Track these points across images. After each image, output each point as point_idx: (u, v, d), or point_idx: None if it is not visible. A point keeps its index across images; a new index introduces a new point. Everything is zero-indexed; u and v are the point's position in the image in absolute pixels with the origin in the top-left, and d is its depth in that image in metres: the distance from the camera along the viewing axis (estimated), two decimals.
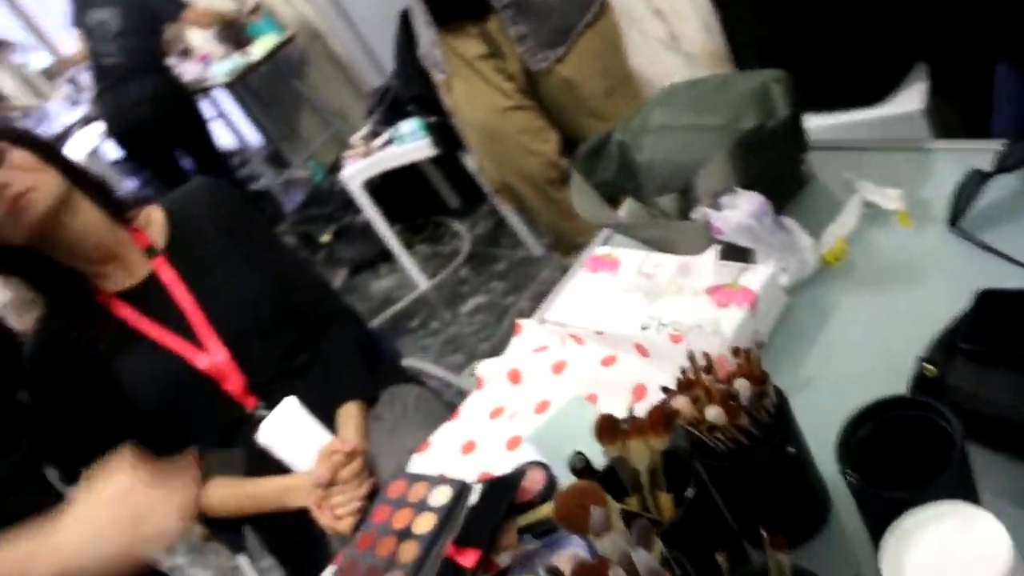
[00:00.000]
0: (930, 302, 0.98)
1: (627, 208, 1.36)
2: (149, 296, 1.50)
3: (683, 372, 0.79)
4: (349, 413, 1.54)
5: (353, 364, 1.63)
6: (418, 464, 1.26)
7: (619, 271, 1.26)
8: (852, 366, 0.99)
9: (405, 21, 2.99)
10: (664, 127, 1.32)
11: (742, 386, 0.73)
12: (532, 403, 1.21)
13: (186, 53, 5.01)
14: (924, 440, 0.68)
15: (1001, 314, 0.82)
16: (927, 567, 0.58)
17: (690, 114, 1.30)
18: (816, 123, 1.31)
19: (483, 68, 2.36)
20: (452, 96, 2.52)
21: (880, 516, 0.63)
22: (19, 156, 1.37)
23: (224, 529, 1.64)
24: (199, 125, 4.60)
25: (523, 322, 1.35)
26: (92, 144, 5.18)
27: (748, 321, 1.05)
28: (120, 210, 1.52)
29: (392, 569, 1.05)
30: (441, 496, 1.11)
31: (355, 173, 3.54)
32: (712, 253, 1.13)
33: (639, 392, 1.11)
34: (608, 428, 0.78)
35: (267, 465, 1.49)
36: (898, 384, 0.83)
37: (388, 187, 3.79)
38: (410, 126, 3.33)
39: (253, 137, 5.99)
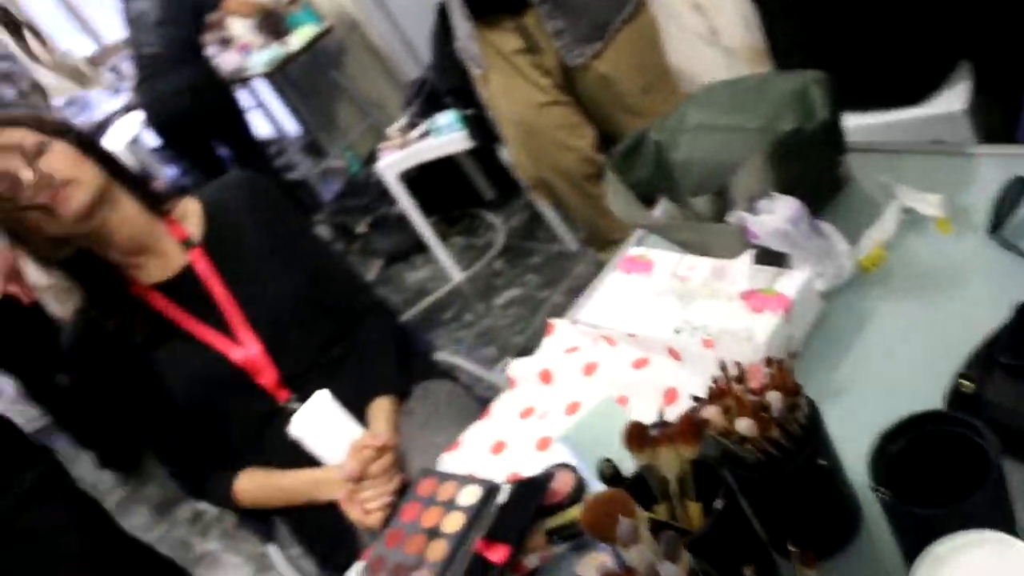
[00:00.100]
0: (969, 312, 0.96)
1: (662, 209, 1.35)
2: (185, 288, 1.51)
3: (714, 381, 0.79)
4: (381, 407, 1.54)
5: (386, 358, 1.63)
6: (448, 463, 1.26)
7: (653, 273, 1.25)
8: (887, 375, 0.97)
9: (442, 13, 2.98)
10: (701, 126, 1.31)
11: (774, 398, 0.73)
12: (563, 404, 1.21)
13: (226, 42, 5.06)
14: (960, 456, 0.67)
15: None
16: None
17: (728, 114, 1.29)
18: (854, 122, 1.28)
19: (520, 63, 2.34)
20: (488, 90, 2.51)
21: (912, 533, 0.62)
22: (59, 149, 1.38)
23: (254, 518, 1.66)
24: (236, 116, 4.63)
25: (555, 322, 1.35)
26: (132, 132, 5.23)
27: (782, 327, 1.04)
28: (157, 202, 1.53)
29: (420, 567, 1.06)
30: (470, 496, 1.11)
31: (391, 164, 3.55)
32: (747, 257, 1.11)
33: (670, 396, 1.10)
34: (637, 436, 0.77)
35: (298, 458, 1.51)
36: (934, 394, 0.82)
37: (424, 178, 3.80)
38: (447, 118, 3.34)
39: (291, 127, 6.03)
